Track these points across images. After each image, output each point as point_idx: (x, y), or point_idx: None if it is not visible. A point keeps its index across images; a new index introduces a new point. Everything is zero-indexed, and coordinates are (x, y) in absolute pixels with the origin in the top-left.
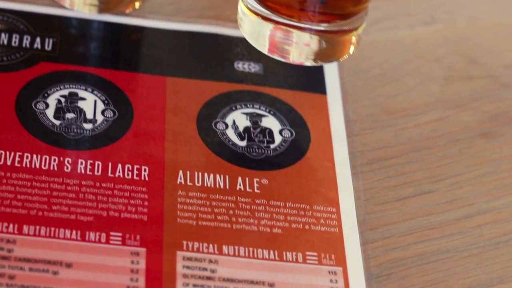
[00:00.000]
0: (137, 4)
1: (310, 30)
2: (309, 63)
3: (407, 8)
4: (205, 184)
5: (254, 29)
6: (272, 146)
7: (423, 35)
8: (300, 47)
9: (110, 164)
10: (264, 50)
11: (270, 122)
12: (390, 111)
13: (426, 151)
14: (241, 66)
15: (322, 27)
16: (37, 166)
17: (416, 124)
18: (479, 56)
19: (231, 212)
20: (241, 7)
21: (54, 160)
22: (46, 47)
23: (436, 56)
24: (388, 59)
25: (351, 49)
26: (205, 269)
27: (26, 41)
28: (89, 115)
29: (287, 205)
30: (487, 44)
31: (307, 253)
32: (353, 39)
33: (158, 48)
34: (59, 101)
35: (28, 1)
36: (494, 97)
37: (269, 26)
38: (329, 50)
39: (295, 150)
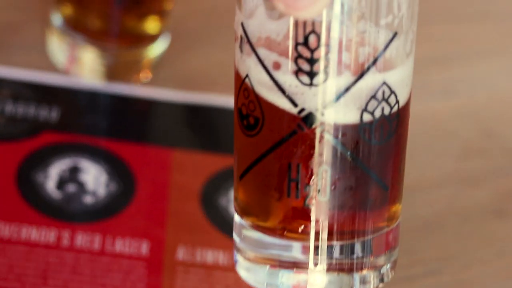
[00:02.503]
0: (145, 76)
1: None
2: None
3: (426, 81)
4: (206, 260)
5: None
6: None
7: (440, 108)
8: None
9: (109, 238)
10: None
11: None
12: None
13: (436, 228)
14: None
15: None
16: (35, 238)
17: (427, 201)
18: (496, 130)
19: None
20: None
21: (53, 233)
22: (50, 117)
23: (452, 130)
24: None
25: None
26: None
27: (31, 110)
28: (91, 188)
29: None
30: (504, 118)
31: None
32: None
33: (165, 120)
34: (60, 173)
35: (35, 71)
36: (509, 172)
37: (266, 267)
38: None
39: None
